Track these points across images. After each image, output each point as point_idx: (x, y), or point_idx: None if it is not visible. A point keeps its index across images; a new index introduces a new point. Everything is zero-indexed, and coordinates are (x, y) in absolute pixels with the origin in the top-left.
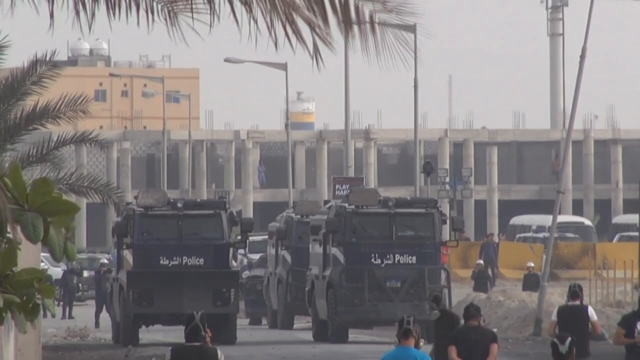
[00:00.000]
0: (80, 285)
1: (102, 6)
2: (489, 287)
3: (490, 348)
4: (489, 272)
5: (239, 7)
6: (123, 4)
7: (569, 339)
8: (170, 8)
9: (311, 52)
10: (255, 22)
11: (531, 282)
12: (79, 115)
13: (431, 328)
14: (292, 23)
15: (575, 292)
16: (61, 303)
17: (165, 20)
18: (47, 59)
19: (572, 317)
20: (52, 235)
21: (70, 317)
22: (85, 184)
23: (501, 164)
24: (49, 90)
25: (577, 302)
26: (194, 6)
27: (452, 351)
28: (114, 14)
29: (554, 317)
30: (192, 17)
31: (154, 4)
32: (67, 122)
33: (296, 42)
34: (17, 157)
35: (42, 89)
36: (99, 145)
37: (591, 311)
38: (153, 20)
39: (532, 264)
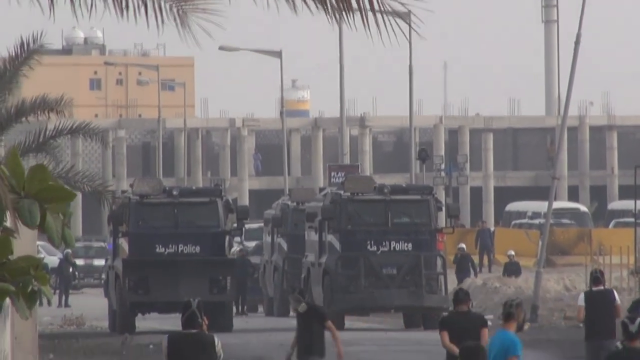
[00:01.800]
0: (76, 273)
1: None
2: (472, 272)
3: (481, 333)
4: (486, 258)
5: None
6: (131, 4)
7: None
8: (179, 7)
9: (330, 13)
10: None
11: (512, 270)
12: (67, 110)
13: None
14: None
15: (597, 278)
16: (57, 291)
17: (175, 20)
18: (35, 42)
19: (601, 302)
20: (49, 221)
21: (67, 305)
22: (82, 180)
23: (496, 150)
24: (43, 77)
25: (601, 287)
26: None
27: (445, 337)
28: (121, 14)
29: (580, 303)
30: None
31: (162, 2)
32: (60, 114)
33: (315, 7)
34: (13, 145)
35: (31, 72)
36: (96, 138)
37: (616, 295)
38: (162, 21)
39: (513, 252)
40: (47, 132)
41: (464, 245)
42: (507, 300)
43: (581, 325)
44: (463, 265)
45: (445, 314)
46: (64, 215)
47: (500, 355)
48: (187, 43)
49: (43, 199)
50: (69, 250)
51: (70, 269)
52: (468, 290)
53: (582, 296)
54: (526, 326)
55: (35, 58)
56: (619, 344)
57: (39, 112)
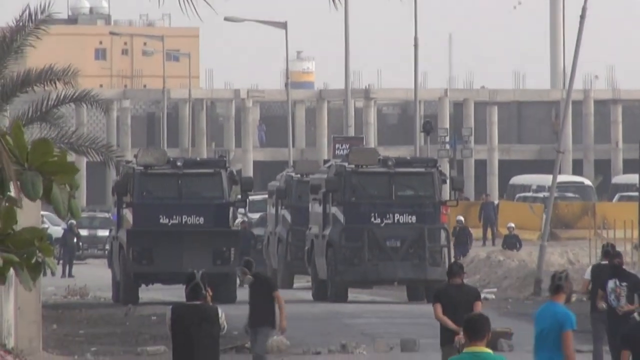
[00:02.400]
0: (80, 244)
1: None
2: (469, 245)
3: (475, 306)
4: (490, 231)
5: None
6: None
7: None
8: None
9: None
10: None
11: (511, 243)
12: (74, 79)
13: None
14: None
15: (607, 252)
16: (61, 262)
17: None
18: (43, 12)
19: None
20: (55, 192)
21: (70, 275)
22: (86, 144)
23: (501, 123)
24: (48, 47)
25: (607, 262)
26: None
27: (438, 309)
28: None
29: (587, 276)
30: None
31: None
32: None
33: None
34: (16, 115)
35: (37, 42)
36: (99, 106)
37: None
38: None
39: (513, 225)
40: (50, 101)
41: (462, 218)
42: (555, 272)
43: (585, 299)
44: (462, 238)
45: (439, 286)
46: (70, 187)
47: (554, 329)
48: (187, 15)
49: (47, 172)
50: (73, 221)
51: (74, 240)
52: (471, 263)
53: (588, 270)
54: (573, 298)
55: (43, 28)
56: (636, 314)
57: (45, 82)
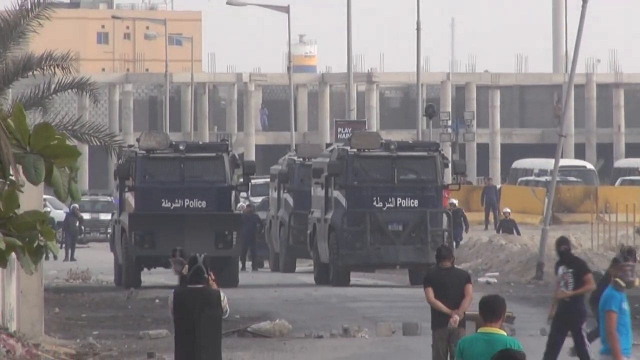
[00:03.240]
0: (82, 227)
1: None
2: (465, 227)
3: (466, 289)
4: (492, 215)
5: None
6: None
7: None
8: None
9: None
10: None
11: (507, 228)
12: (72, 66)
13: None
14: None
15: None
16: (63, 245)
17: None
18: None
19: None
20: (56, 175)
21: (72, 259)
22: (89, 132)
23: (503, 107)
24: (50, 30)
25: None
26: None
27: (429, 293)
28: None
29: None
30: None
31: None
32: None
33: None
34: (16, 99)
35: (39, 27)
36: (92, 95)
37: None
38: None
39: (509, 210)
40: (44, 88)
41: (455, 201)
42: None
43: None
44: (455, 221)
45: (429, 270)
46: (71, 170)
47: (602, 308)
48: None
49: (49, 155)
50: (76, 205)
51: (77, 223)
52: (473, 247)
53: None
54: (637, 281)
55: (46, 15)
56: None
57: (45, 68)
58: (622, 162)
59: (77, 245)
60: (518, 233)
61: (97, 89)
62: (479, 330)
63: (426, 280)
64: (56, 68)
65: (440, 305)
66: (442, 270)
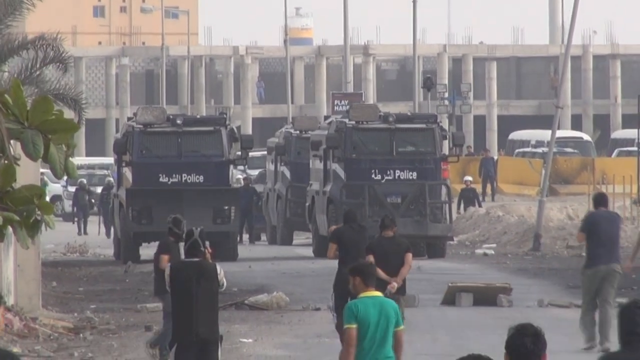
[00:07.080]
0: (92, 201)
1: None
2: (476, 205)
3: (406, 257)
4: (490, 187)
5: None
6: None
7: None
8: None
9: None
10: None
11: (467, 198)
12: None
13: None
14: None
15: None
16: (76, 220)
17: None
18: None
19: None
20: (52, 152)
21: (85, 233)
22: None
23: (500, 79)
24: (47, 4)
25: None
26: None
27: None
28: None
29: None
30: None
31: None
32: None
33: None
34: (14, 75)
35: (36, 1)
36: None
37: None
38: None
39: (470, 178)
40: (30, 65)
41: (470, 178)
42: None
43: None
44: (468, 197)
45: (372, 239)
46: (67, 147)
47: None
48: None
49: (46, 130)
50: (84, 180)
51: (87, 197)
52: (470, 219)
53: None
54: None
55: None
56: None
57: (37, 47)
58: (618, 133)
59: (89, 218)
60: (479, 204)
61: (71, 62)
62: (362, 295)
63: (368, 249)
64: (47, 48)
65: (380, 272)
66: (385, 239)
